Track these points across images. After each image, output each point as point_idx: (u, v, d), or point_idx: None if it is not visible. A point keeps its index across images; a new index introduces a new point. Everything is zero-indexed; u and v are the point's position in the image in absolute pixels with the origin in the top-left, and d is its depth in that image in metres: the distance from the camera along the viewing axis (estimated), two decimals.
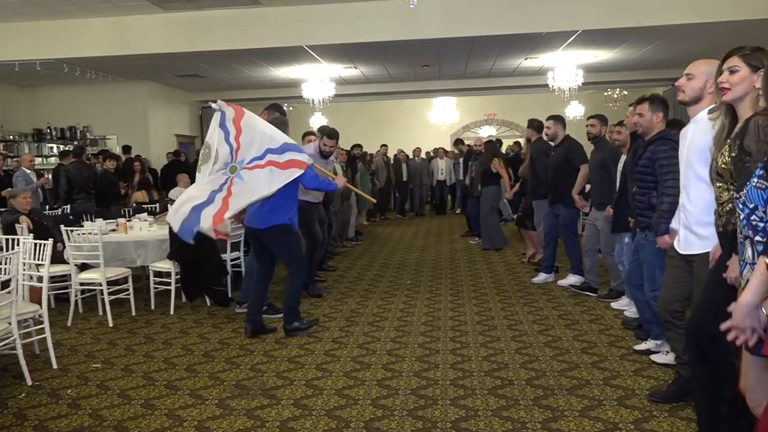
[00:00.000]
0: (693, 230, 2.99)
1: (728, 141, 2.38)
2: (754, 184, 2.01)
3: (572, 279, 6.31)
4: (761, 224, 2.00)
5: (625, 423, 3.11)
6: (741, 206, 2.07)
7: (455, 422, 3.19)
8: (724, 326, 1.97)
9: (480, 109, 20.16)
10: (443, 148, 15.49)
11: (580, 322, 4.99)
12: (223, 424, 3.23)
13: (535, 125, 7.21)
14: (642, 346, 4.24)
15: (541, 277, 6.58)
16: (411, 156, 15.46)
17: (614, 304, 5.45)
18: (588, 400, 3.42)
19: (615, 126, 5.46)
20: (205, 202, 4.36)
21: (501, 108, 19.90)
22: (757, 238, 2.02)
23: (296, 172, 4.50)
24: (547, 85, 12.37)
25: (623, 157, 5.01)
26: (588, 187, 6.09)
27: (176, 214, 4.39)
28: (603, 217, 5.48)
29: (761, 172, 2.00)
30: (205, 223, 4.26)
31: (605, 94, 16.63)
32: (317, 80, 12.31)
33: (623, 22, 8.84)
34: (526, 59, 12.10)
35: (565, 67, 11.83)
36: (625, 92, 16.39)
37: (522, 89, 15.71)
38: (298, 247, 4.91)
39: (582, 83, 12.03)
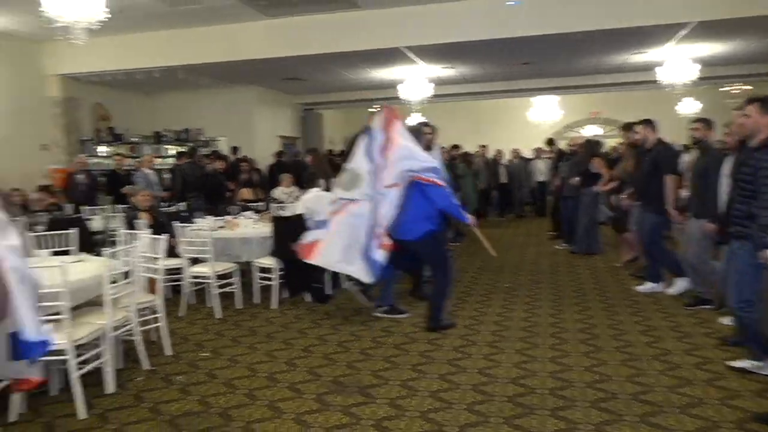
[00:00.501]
0: None
1: None
2: None
3: (681, 284, 5.88)
4: None
5: None
6: None
7: None
8: None
9: (583, 108, 19.36)
10: (542, 148, 14.99)
11: (693, 335, 4.64)
12: (320, 419, 3.30)
13: (651, 124, 6.75)
14: (738, 363, 3.88)
15: (648, 286, 6.19)
16: (509, 157, 15.11)
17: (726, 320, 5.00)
18: (702, 420, 3.18)
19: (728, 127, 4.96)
20: (367, 245, 4.80)
21: (606, 106, 18.98)
22: None
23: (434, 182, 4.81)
24: (656, 81, 11.66)
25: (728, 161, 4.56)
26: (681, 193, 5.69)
27: (345, 263, 4.88)
28: (696, 226, 5.10)
29: None
30: (379, 255, 4.79)
31: (723, 89, 15.42)
32: (414, 81, 12.33)
33: (745, 10, 8.15)
34: (633, 54, 11.48)
35: (677, 62, 11.09)
36: (748, 87, 15.11)
37: (629, 86, 14.89)
38: (444, 252, 5.04)
39: (698, 78, 11.22)
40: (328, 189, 7.38)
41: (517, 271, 7.48)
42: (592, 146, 8.74)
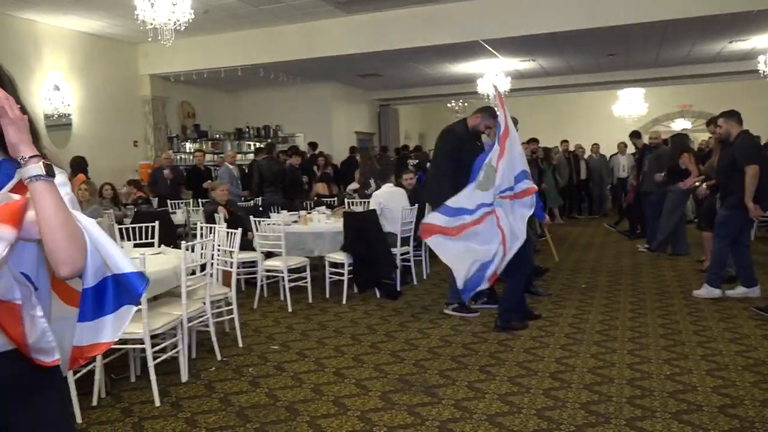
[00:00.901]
0: None
1: None
2: None
3: (741, 290, 5.62)
4: None
5: None
6: None
7: None
8: None
9: (673, 101, 18.29)
10: (624, 143, 14.26)
11: None
12: (385, 417, 3.27)
13: (736, 117, 6.30)
14: None
15: (740, 290, 5.75)
16: (589, 152, 14.51)
17: None
18: None
19: None
20: (489, 258, 4.66)
21: (697, 98, 17.84)
22: None
23: (528, 202, 4.73)
24: (756, 71, 10.82)
25: None
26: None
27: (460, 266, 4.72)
28: None
29: None
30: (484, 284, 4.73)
31: None
32: (493, 75, 12.08)
33: None
34: (731, 42, 10.71)
35: None
36: None
37: (725, 76, 13.91)
38: (520, 252, 4.77)
39: None
40: (378, 187, 7.42)
41: (594, 271, 7.16)
42: (681, 140, 8.20)
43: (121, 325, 1.50)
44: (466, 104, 16.75)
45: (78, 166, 7.95)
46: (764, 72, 10.60)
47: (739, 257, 5.71)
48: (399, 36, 9.50)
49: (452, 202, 4.70)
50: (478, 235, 4.66)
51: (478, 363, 4.07)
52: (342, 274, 5.85)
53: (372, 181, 8.98)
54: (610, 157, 14.35)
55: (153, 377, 3.49)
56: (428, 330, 4.87)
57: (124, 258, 1.46)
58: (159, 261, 4.06)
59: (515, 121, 5.69)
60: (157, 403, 3.46)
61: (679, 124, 18.17)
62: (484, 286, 4.74)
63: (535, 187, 4.84)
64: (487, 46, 10.07)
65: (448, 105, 17.33)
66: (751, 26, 9.43)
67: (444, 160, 5.22)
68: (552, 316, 5.18)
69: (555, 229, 10.57)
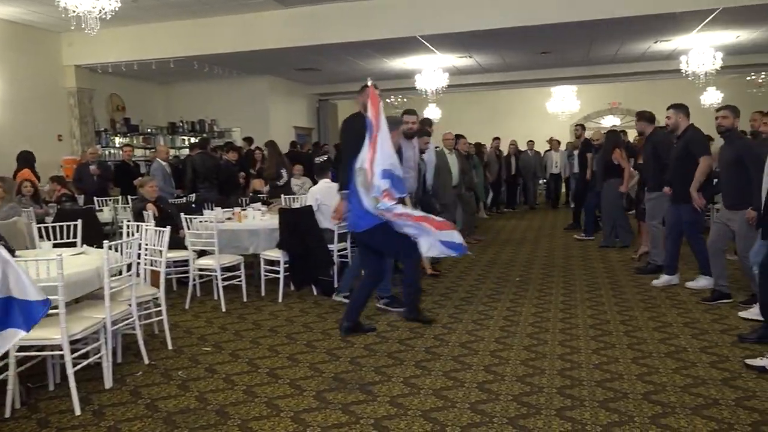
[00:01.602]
0: None
1: None
2: None
3: (703, 282, 5.74)
4: None
5: None
6: None
7: None
8: None
9: (603, 98, 19.00)
10: (557, 140, 14.72)
11: (710, 332, 4.47)
12: (318, 417, 3.21)
13: (646, 117, 6.56)
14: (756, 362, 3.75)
15: (664, 279, 6.01)
16: (524, 148, 14.87)
17: (744, 313, 4.85)
18: (716, 422, 3.03)
19: (765, 115, 4.74)
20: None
21: (626, 96, 18.60)
22: None
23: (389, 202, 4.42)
24: (679, 71, 11.33)
25: None
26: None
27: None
28: (740, 218, 4.92)
29: None
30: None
31: (748, 78, 14.99)
32: (431, 71, 12.15)
33: None
34: (656, 42, 11.18)
35: (701, 50, 10.76)
36: None
37: (651, 75, 14.54)
38: (400, 241, 4.54)
39: (720, 67, 10.88)
40: (289, 181, 7.46)
41: (528, 265, 7.32)
42: (615, 137, 8.51)
43: (2, 345, 1.40)
44: (405, 100, 16.83)
45: (25, 160, 7.51)
46: (686, 71, 11.11)
47: (672, 244, 5.91)
48: (337, 30, 9.42)
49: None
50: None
51: (414, 359, 4.07)
52: (278, 272, 5.74)
53: (284, 172, 8.88)
54: (544, 153, 14.74)
55: (72, 385, 3.30)
56: (358, 333, 4.83)
57: (32, 286, 1.35)
58: (79, 262, 3.85)
59: (429, 123, 5.80)
60: (78, 412, 3.28)
61: (609, 121, 18.88)
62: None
63: (394, 194, 4.45)
64: (424, 41, 10.12)
65: (387, 101, 17.35)
66: (674, 28, 9.87)
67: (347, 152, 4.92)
68: (487, 310, 5.25)
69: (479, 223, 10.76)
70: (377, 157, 4.37)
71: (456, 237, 4.47)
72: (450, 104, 18.32)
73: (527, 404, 3.31)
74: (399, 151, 4.91)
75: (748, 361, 3.79)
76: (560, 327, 4.70)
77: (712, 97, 15.63)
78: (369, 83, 4.55)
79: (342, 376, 3.79)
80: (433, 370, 3.85)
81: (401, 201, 4.57)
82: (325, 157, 9.17)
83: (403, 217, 4.43)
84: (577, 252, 8.14)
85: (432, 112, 17.91)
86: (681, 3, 8.20)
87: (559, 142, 14.68)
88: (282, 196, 7.91)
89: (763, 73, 14.49)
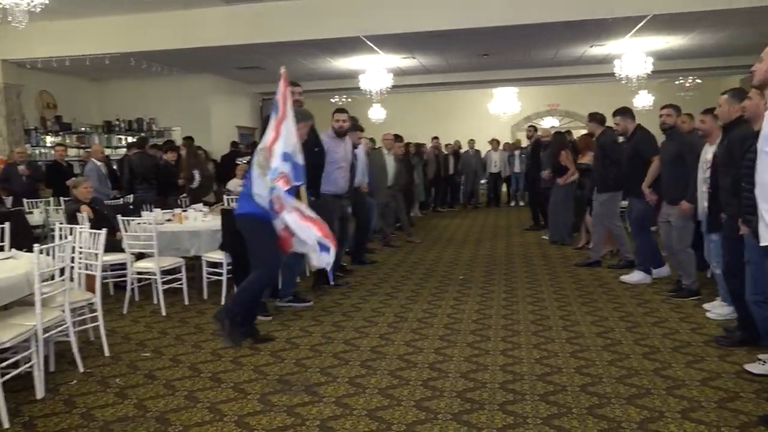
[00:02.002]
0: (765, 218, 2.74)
1: None
2: None
3: (637, 276, 6.05)
4: None
5: None
6: None
7: (502, 429, 3.02)
8: None
9: (542, 100, 19.54)
10: (497, 140, 15.13)
11: (642, 325, 4.67)
12: (263, 421, 3.17)
13: (597, 118, 6.88)
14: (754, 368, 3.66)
15: (636, 276, 6.05)
16: (467, 148, 15.16)
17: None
18: (648, 411, 3.17)
19: (700, 114, 4.96)
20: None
21: (564, 98, 19.21)
22: None
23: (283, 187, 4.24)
24: (613, 74, 11.78)
25: (709, 148, 4.73)
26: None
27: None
28: (677, 212, 5.21)
29: None
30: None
31: (677, 82, 15.74)
32: (375, 71, 12.19)
33: (699, 5, 8.27)
34: (591, 47, 11.57)
35: (633, 55, 11.23)
36: (699, 80, 15.46)
37: (587, 78, 15.06)
38: (269, 244, 4.32)
39: (651, 71, 11.39)
40: (202, 184, 7.39)
41: (472, 264, 7.46)
42: (561, 138, 8.88)
43: None
44: (349, 99, 16.81)
45: None
46: (620, 75, 11.55)
47: (645, 243, 6.12)
48: (280, 29, 9.31)
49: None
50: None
51: (359, 358, 4.08)
52: (220, 274, 5.62)
53: (196, 173, 8.60)
54: (485, 153, 15.07)
55: (0, 396, 3.14)
56: (310, 328, 4.81)
57: None
58: (7, 267, 3.67)
59: (355, 120, 5.94)
60: (6, 425, 3.12)
61: (548, 122, 19.41)
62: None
63: (291, 180, 4.28)
64: (368, 42, 10.14)
65: (332, 100, 17.30)
66: (608, 33, 10.25)
67: None
68: (431, 308, 5.32)
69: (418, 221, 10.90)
70: (280, 139, 4.25)
71: (331, 255, 4.32)
72: (394, 104, 18.41)
73: (471, 400, 3.37)
74: (304, 145, 4.65)
75: (748, 367, 3.68)
76: (502, 323, 4.81)
77: (644, 99, 16.30)
78: (282, 70, 4.44)
79: (287, 377, 3.76)
80: (378, 370, 3.86)
81: (297, 190, 4.38)
82: (246, 159, 9.05)
83: (294, 214, 4.26)
84: (518, 250, 8.34)
85: (376, 112, 17.97)
86: (614, 9, 8.52)
87: (498, 142, 15.06)
88: (224, 197, 7.76)
89: (690, 77, 15.24)
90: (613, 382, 3.57)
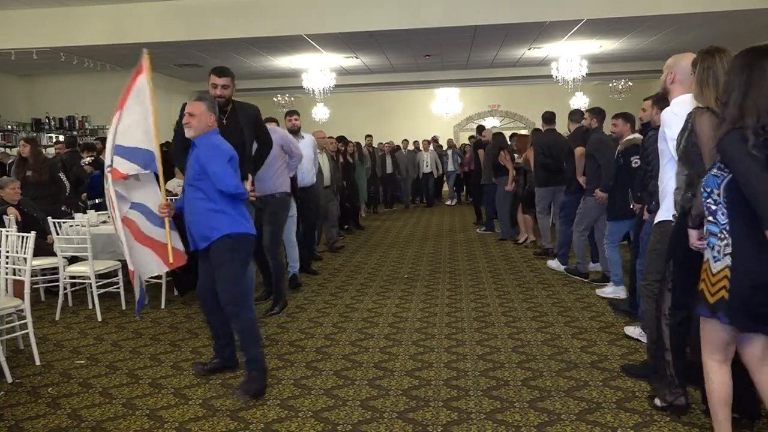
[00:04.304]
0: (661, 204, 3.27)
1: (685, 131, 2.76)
2: (713, 172, 2.40)
3: (554, 264, 6.75)
4: (713, 207, 2.40)
5: (624, 428, 2.97)
6: (702, 190, 2.46)
7: (446, 425, 3.06)
8: None
9: (483, 100, 19.95)
10: (428, 141, 15.35)
11: (580, 320, 4.83)
12: (206, 426, 3.10)
13: (597, 112, 6.43)
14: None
15: (609, 289, 5.64)
16: (411, 147, 15.29)
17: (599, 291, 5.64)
18: (586, 402, 3.28)
19: (612, 118, 5.62)
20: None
21: (504, 99, 19.68)
22: (709, 218, 2.42)
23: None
24: (551, 76, 12.16)
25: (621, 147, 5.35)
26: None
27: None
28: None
29: (719, 164, 2.36)
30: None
31: (610, 85, 16.39)
32: (318, 70, 12.13)
33: (629, 11, 8.64)
34: (529, 49, 11.90)
35: (569, 58, 11.62)
36: (630, 83, 16.15)
37: (526, 80, 15.51)
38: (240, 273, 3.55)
39: (586, 74, 11.82)
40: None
41: (416, 262, 7.52)
42: (500, 139, 9.17)
43: None
44: (292, 98, 16.67)
45: None
46: (557, 77, 11.93)
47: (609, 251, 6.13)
48: (219, 25, 9.12)
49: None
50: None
51: (304, 360, 4.05)
52: (160, 277, 5.46)
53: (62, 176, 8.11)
54: (416, 152, 15.25)
55: None
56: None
57: None
58: None
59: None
60: None
61: (490, 122, 19.81)
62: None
63: (122, 173, 3.73)
64: (310, 40, 10.08)
65: (274, 99, 17.11)
66: (545, 36, 10.56)
67: None
68: (376, 308, 5.33)
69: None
70: (110, 132, 3.87)
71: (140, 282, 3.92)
72: (338, 104, 18.39)
73: (416, 397, 3.40)
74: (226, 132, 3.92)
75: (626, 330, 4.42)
76: (447, 321, 4.87)
77: (580, 101, 16.90)
78: (144, 52, 4.05)
79: (230, 381, 3.69)
80: (324, 370, 3.84)
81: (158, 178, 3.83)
82: None
83: (128, 228, 3.79)
84: (460, 248, 8.47)
85: (320, 111, 17.89)
86: (550, 13, 8.80)
87: (429, 143, 15.23)
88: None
89: (623, 79, 15.90)
90: (553, 375, 3.67)
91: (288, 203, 5.44)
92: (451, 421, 3.11)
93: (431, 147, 15.12)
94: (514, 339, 4.38)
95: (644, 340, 4.07)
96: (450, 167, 15.26)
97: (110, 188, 3.74)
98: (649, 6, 8.49)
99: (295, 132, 6.43)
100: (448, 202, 15.52)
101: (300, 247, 6.34)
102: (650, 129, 4.23)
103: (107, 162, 3.80)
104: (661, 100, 4.05)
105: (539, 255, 7.48)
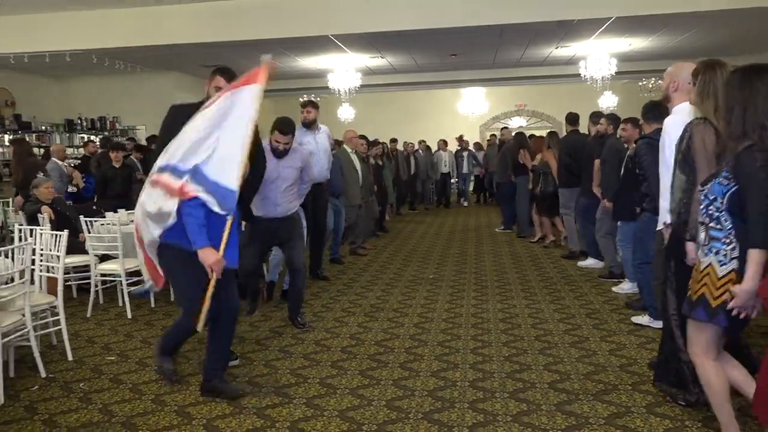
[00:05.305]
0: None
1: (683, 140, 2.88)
2: (718, 181, 2.45)
3: (590, 262, 6.85)
4: (716, 214, 2.46)
5: None
6: (703, 197, 2.52)
7: (472, 427, 3.04)
8: (730, 305, 2.40)
9: (510, 100, 19.77)
10: (445, 141, 15.23)
11: (609, 322, 4.76)
12: (233, 423, 3.14)
13: (614, 118, 6.57)
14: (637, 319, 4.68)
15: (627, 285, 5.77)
16: (435, 149, 15.24)
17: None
18: (615, 406, 3.23)
19: (622, 122, 5.76)
20: None
21: (531, 99, 19.46)
22: (711, 224, 2.49)
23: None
24: (579, 75, 11.99)
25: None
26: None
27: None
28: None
29: (726, 174, 2.43)
30: None
31: (640, 84, 16.09)
32: (343, 70, 12.17)
33: (660, 8, 8.46)
34: (557, 48, 11.76)
35: (597, 56, 11.45)
36: (660, 82, 15.83)
37: (553, 79, 15.30)
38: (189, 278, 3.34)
39: (615, 72, 11.63)
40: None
41: (441, 262, 7.50)
42: (521, 138, 9.25)
43: None
44: (317, 98, 16.72)
45: None
46: (584, 76, 11.77)
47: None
48: (246, 26, 9.20)
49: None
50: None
51: (330, 359, 4.06)
52: None
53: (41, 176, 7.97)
54: (434, 153, 15.14)
55: None
56: (280, 329, 4.77)
57: None
58: None
59: (290, 124, 4.60)
60: None
61: (516, 122, 19.66)
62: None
63: (188, 192, 3.13)
64: (336, 41, 10.11)
65: (300, 99, 17.19)
66: (573, 34, 10.42)
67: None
68: (402, 308, 5.33)
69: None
70: (204, 142, 3.22)
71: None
72: (363, 104, 18.41)
73: (441, 398, 3.39)
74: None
75: (633, 319, 4.70)
76: (472, 321, 4.85)
77: (609, 100, 16.64)
78: (266, 59, 3.58)
79: (257, 379, 3.72)
80: (349, 370, 3.86)
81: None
82: None
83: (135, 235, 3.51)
84: (487, 248, 8.41)
85: (345, 111, 17.93)
86: (578, 11, 8.67)
87: (446, 143, 15.15)
88: None
89: (653, 78, 15.60)
90: (581, 378, 3.63)
91: (299, 216, 5.07)
92: (477, 423, 3.09)
93: (457, 146, 15.02)
94: (541, 341, 4.33)
95: (654, 325, 4.40)
96: (465, 169, 15.11)
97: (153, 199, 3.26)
98: (680, 3, 8.32)
99: (309, 125, 6.10)
100: (463, 202, 15.44)
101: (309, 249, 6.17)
102: (640, 138, 4.61)
103: (169, 163, 3.26)
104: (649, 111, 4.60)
105: (566, 257, 7.43)
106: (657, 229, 3.49)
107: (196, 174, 3.15)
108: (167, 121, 3.71)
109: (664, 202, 3.24)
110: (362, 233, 8.53)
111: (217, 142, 3.19)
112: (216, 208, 3.14)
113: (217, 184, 3.13)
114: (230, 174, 3.14)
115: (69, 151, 11.39)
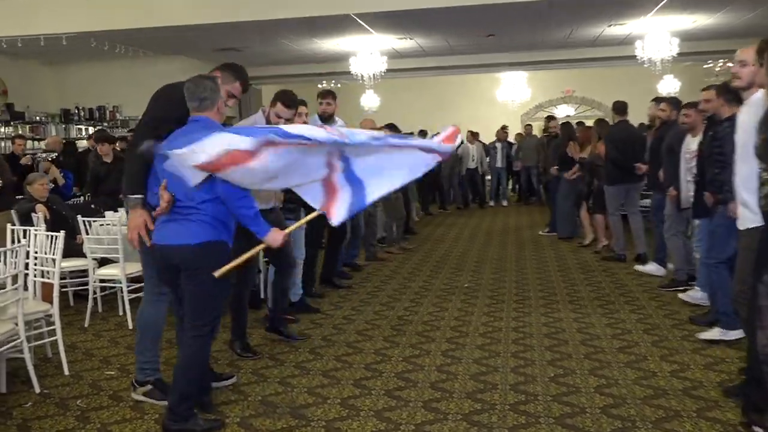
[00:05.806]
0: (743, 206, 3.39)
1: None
2: None
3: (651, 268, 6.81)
4: None
5: None
6: None
7: (513, 429, 3.03)
8: None
9: (555, 86, 19.59)
10: (471, 131, 14.85)
11: (670, 339, 4.68)
12: (266, 422, 3.19)
13: (675, 103, 6.65)
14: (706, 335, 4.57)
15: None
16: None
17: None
18: (663, 410, 3.20)
19: (683, 108, 5.80)
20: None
21: (580, 83, 19.25)
22: None
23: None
24: (634, 57, 11.82)
25: (692, 139, 5.53)
26: None
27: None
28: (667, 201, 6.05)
29: None
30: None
31: (705, 66, 15.79)
32: (367, 53, 12.19)
33: None
34: (609, 26, 11.61)
35: (656, 35, 11.27)
36: (730, 64, 15.53)
37: (605, 61, 15.08)
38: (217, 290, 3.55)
39: (677, 54, 11.43)
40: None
41: (478, 269, 7.46)
42: (569, 129, 9.15)
43: None
44: (338, 85, 16.79)
45: None
46: (641, 58, 11.60)
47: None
48: (260, 6, 9.29)
49: None
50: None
51: (352, 377, 4.07)
52: None
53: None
54: (461, 146, 14.86)
55: None
56: (296, 342, 4.79)
57: None
58: None
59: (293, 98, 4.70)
60: None
61: (563, 110, 19.48)
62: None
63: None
64: (359, 20, 10.13)
65: (319, 86, 17.27)
66: (628, 10, 10.28)
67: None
68: (433, 320, 5.32)
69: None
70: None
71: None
72: (389, 91, 18.42)
73: (477, 423, 3.37)
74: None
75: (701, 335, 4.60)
76: (513, 337, 4.81)
77: (669, 85, 16.40)
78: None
79: (270, 398, 3.75)
80: (374, 389, 3.86)
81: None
82: None
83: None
84: (528, 252, 8.35)
85: (369, 99, 17.97)
86: None
87: (474, 134, 14.78)
88: None
89: (720, 60, 15.30)
90: (638, 403, 3.57)
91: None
92: (519, 424, 3.07)
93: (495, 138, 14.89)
94: (592, 359, 4.28)
95: (727, 338, 4.41)
96: (498, 163, 14.84)
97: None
98: None
99: (327, 119, 5.91)
100: (492, 203, 15.07)
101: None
102: (725, 120, 4.37)
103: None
104: (729, 91, 4.29)
105: (607, 259, 7.53)
106: (740, 228, 3.47)
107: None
108: (177, 95, 3.57)
109: (747, 195, 3.26)
110: (389, 236, 8.57)
111: (388, 156, 3.59)
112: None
113: (361, 183, 3.50)
114: (378, 187, 3.55)
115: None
